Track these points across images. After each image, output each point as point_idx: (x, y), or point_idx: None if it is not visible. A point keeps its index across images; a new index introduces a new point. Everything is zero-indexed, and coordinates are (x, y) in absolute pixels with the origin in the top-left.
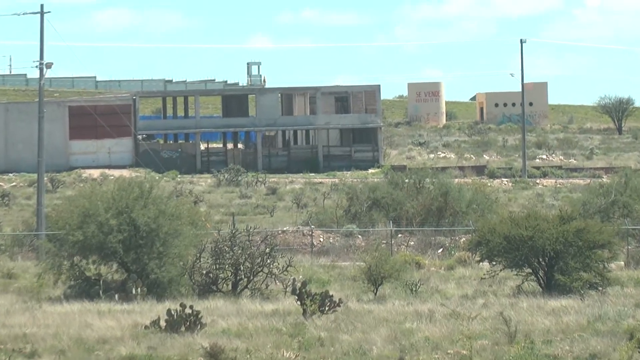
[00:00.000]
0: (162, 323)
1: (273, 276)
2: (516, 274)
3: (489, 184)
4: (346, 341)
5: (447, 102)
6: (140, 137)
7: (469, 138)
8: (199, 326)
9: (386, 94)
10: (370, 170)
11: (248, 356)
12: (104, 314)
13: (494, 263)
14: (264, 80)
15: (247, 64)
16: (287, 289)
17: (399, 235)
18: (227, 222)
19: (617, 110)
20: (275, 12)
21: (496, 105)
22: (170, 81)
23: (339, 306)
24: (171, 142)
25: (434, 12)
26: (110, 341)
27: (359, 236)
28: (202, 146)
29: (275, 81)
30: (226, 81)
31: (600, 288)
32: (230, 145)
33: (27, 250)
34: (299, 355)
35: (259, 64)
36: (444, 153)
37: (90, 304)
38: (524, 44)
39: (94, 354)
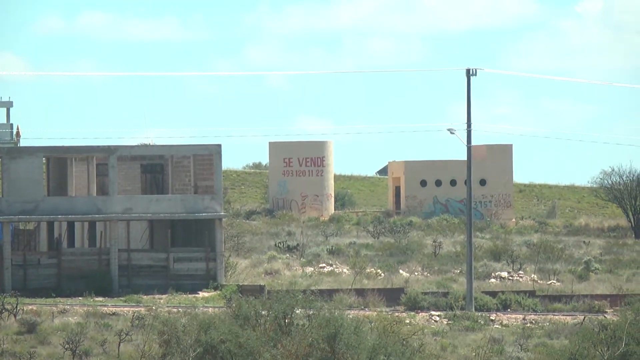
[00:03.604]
0: None
1: None
2: None
3: (407, 321)
4: None
5: (338, 177)
6: None
7: (374, 240)
8: None
9: (232, 161)
10: (202, 294)
11: None
12: None
13: None
14: (18, 134)
15: None
16: None
17: None
18: None
19: (633, 195)
20: (38, 15)
21: (423, 183)
22: None
23: None
24: None
25: (317, 21)
26: None
27: None
28: None
29: (38, 135)
30: None
31: None
32: None
33: None
34: None
35: (8, 105)
36: (332, 265)
37: None
38: (472, 78)
39: None
